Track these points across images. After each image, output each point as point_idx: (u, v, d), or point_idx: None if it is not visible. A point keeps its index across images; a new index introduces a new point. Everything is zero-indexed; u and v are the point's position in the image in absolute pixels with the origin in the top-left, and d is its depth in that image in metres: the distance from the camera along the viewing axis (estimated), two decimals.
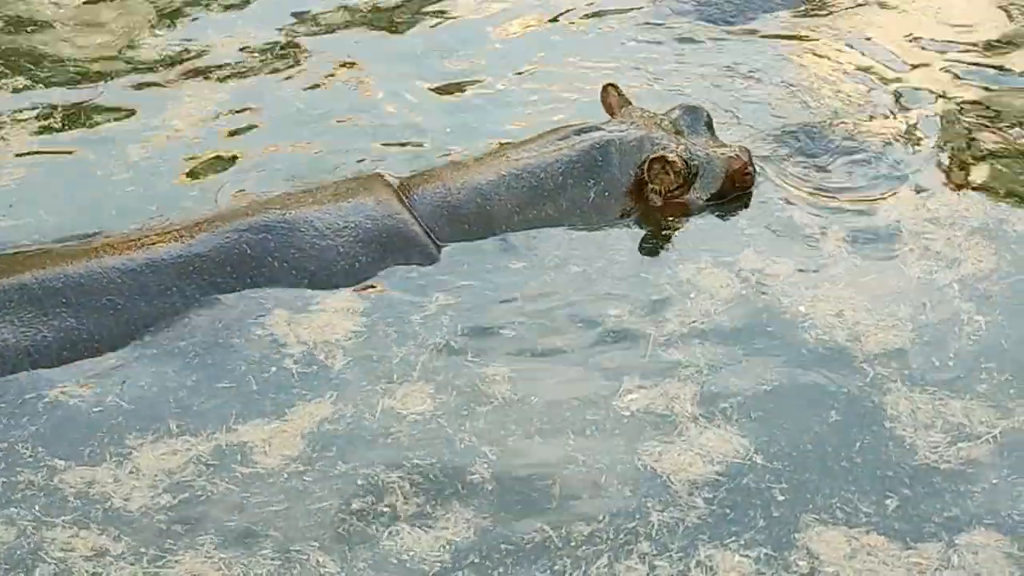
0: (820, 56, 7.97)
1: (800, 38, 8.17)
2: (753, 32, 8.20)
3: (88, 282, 5.44)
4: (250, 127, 7.11)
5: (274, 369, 5.36)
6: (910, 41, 8.12)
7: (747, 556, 4.54)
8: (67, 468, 4.91)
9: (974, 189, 6.62)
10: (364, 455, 4.97)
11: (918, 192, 6.59)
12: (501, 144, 6.74)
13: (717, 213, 6.40)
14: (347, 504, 4.76)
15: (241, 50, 7.88)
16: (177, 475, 4.89)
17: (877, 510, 4.74)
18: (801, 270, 6.00)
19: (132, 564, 4.54)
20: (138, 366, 5.34)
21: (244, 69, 7.68)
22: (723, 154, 6.47)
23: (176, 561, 4.54)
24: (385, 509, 4.74)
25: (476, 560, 4.56)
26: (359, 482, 4.86)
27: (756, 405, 5.19)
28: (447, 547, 4.59)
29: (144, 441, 5.02)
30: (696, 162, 6.38)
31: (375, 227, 5.93)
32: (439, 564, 4.53)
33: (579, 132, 6.47)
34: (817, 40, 8.11)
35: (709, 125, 6.68)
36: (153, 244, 5.66)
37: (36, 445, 5.01)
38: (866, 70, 7.77)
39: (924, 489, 4.82)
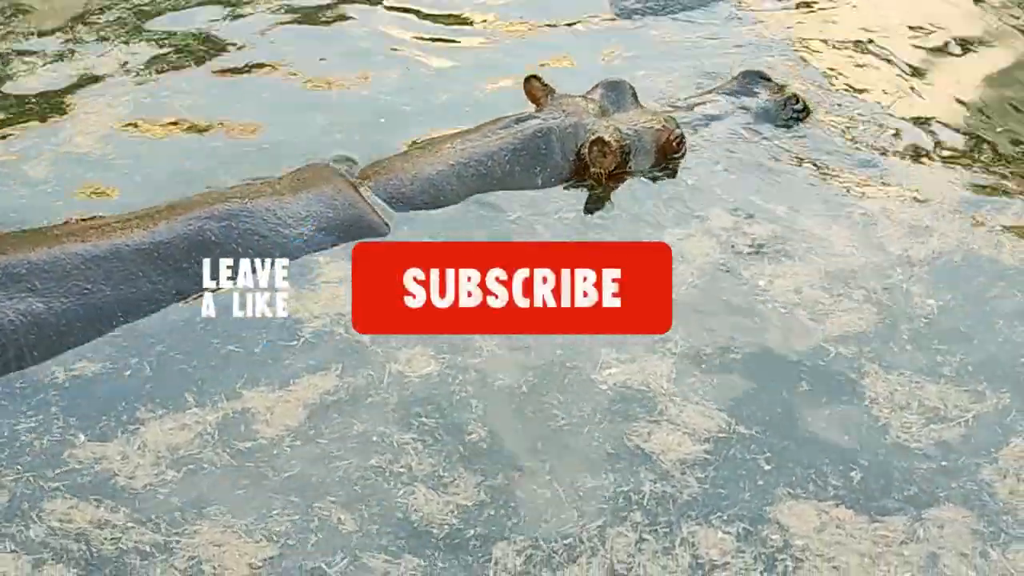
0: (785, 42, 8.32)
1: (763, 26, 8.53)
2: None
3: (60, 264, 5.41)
4: (151, 139, 7.05)
5: (284, 340, 5.43)
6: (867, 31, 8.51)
7: (728, 533, 4.76)
8: (80, 443, 4.93)
9: (929, 175, 6.93)
10: (377, 418, 5.08)
11: (872, 176, 6.86)
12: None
13: (671, 188, 6.65)
14: (364, 463, 4.88)
15: (125, 65, 7.81)
16: (189, 447, 4.94)
17: (845, 484, 4.97)
18: (760, 245, 6.25)
19: (153, 532, 4.59)
20: (148, 343, 5.37)
21: (138, 82, 7.63)
22: (651, 127, 6.73)
23: (195, 531, 4.60)
24: (401, 469, 4.87)
25: (490, 515, 4.74)
26: (374, 439, 4.99)
27: (729, 383, 5.42)
28: (457, 510, 4.75)
29: (156, 415, 5.06)
30: (628, 141, 6.62)
31: (337, 216, 6.02)
32: (448, 526, 4.69)
33: (518, 120, 6.66)
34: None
35: (634, 96, 6.91)
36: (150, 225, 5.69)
37: (50, 420, 5.03)
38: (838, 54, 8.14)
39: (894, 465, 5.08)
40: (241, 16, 8.45)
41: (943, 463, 5.09)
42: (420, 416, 5.12)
